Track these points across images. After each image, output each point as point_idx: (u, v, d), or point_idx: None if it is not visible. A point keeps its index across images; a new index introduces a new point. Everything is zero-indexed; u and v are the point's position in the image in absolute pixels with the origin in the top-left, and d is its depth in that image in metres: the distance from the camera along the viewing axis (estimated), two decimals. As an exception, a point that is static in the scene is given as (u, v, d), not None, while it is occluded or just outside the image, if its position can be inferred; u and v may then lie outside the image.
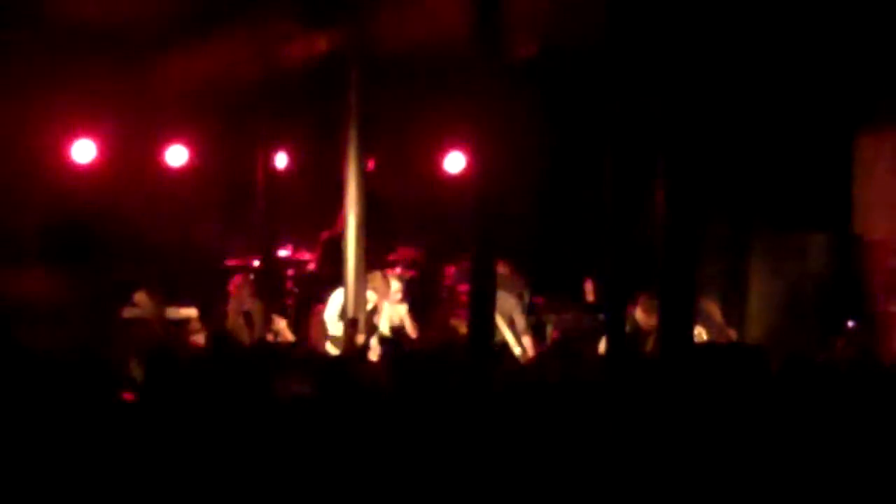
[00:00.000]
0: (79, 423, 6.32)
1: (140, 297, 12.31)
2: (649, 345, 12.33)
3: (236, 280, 13.74)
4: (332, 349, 12.91)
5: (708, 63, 12.81)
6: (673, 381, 6.73)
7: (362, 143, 12.72)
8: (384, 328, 12.96)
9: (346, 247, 12.75)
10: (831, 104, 14.09)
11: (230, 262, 15.06)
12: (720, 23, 12.60)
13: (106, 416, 6.46)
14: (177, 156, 15.60)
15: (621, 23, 11.92)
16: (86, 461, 6.08)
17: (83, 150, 15.19)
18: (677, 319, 11.48)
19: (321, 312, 13.71)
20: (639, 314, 12.84)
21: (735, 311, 14.38)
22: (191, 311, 13.51)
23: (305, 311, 14.86)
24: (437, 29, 12.87)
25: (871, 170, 14.55)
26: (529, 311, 13.91)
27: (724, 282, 14.54)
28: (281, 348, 11.40)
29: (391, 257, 15.07)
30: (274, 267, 14.79)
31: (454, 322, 14.06)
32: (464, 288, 14.15)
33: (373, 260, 13.35)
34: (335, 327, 13.12)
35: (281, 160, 15.46)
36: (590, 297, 14.04)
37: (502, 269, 13.26)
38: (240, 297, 13.52)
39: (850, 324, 13.75)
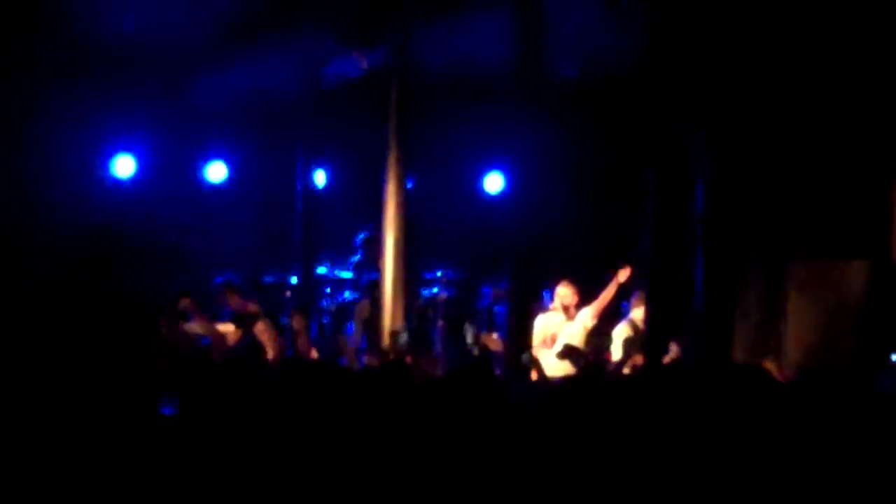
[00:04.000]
0: (119, 433, 6.33)
1: (184, 303, 12.34)
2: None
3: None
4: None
5: (748, 90, 12.83)
6: (707, 399, 6.69)
7: (402, 162, 12.74)
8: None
9: (384, 265, 12.76)
10: (871, 130, 14.04)
11: (267, 279, 15.10)
12: (761, 51, 12.60)
13: (146, 426, 6.46)
14: (216, 172, 15.68)
15: (663, 50, 11.97)
16: (125, 473, 6.09)
17: (123, 166, 15.29)
18: (716, 341, 11.52)
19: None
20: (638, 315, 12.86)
21: (773, 338, 14.31)
22: (228, 327, 13.54)
23: (339, 328, 14.93)
24: (480, 49, 12.92)
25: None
26: None
27: (763, 308, 14.48)
28: None
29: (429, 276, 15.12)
30: (311, 284, 14.79)
31: (485, 339, 14.09)
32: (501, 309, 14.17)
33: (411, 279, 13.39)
34: None
35: (321, 178, 15.50)
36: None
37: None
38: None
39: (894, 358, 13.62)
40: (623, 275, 12.75)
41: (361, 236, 14.79)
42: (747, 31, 12.30)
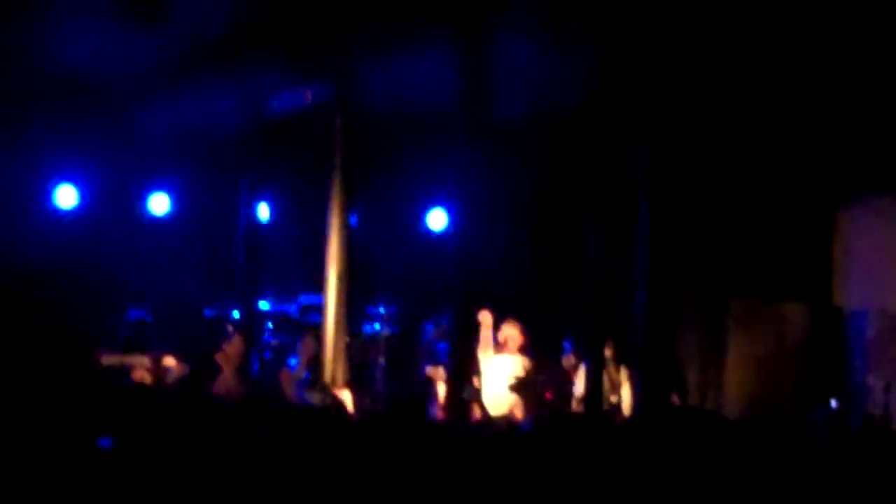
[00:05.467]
0: (55, 465, 6.27)
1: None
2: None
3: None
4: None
5: (692, 130, 12.90)
6: (649, 444, 6.68)
7: (346, 197, 12.73)
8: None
9: (326, 300, 12.72)
10: (813, 176, 14.15)
11: (208, 312, 15.04)
12: (705, 92, 12.68)
13: (77, 459, 6.41)
14: (160, 204, 15.60)
15: (607, 88, 12.02)
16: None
17: (66, 196, 15.19)
18: (655, 384, 11.52)
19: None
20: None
21: (713, 381, 14.36)
22: (170, 360, 13.42)
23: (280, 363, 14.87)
24: (425, 85, 12.93)
25: (851, 241, 14.60)
26: None
27: (703, 350, 14.53)
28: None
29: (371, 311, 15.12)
30: (253, 318, 14.73)
31: (431, 371, 14.08)
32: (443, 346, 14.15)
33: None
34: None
35: (264, 211, 15.46)
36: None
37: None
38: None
39: (833, 403, 13.66)
40: (484, 318, 12.66)
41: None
42: (691, 73, 12.38)
